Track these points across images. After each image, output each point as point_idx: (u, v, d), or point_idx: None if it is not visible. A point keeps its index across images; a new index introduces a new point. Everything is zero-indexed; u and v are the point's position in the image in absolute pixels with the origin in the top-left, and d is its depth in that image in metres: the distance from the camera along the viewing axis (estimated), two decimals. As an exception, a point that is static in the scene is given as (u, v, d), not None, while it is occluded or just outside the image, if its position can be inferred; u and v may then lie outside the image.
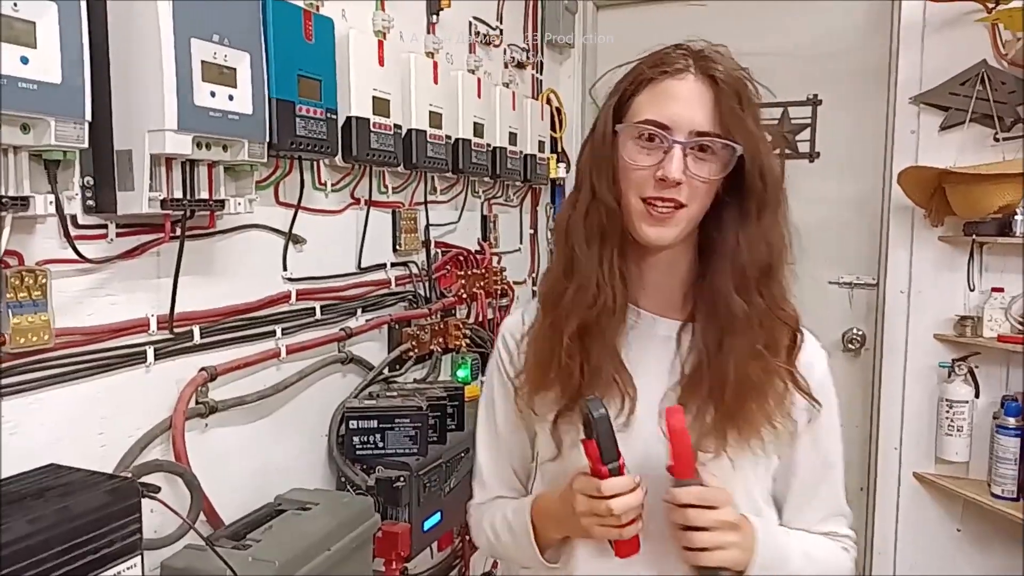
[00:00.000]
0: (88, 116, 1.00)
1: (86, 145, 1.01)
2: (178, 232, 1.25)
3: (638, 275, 1.01)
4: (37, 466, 1.08)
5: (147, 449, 1.27)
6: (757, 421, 0.94)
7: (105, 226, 1.19)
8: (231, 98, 1.22)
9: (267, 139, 1.31)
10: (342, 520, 1.42)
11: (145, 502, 1.27)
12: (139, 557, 1.05)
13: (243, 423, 1.50)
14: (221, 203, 1.29)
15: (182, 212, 1.23)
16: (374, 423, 1.69)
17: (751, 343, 0.94)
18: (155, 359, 1.28)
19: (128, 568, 1.03)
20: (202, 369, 1.37)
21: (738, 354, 0.94)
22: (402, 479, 1.65)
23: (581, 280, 0.97)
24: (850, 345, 2.78)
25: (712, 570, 0.91)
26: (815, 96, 2.81)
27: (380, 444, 1.69)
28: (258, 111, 1.28)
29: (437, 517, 1.79)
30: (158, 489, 1.10)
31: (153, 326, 1.27)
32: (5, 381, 1.06)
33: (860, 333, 2.77)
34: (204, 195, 1.27)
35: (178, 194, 1.22)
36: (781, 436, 0.98)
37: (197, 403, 1.37)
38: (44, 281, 1.08)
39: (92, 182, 1.16)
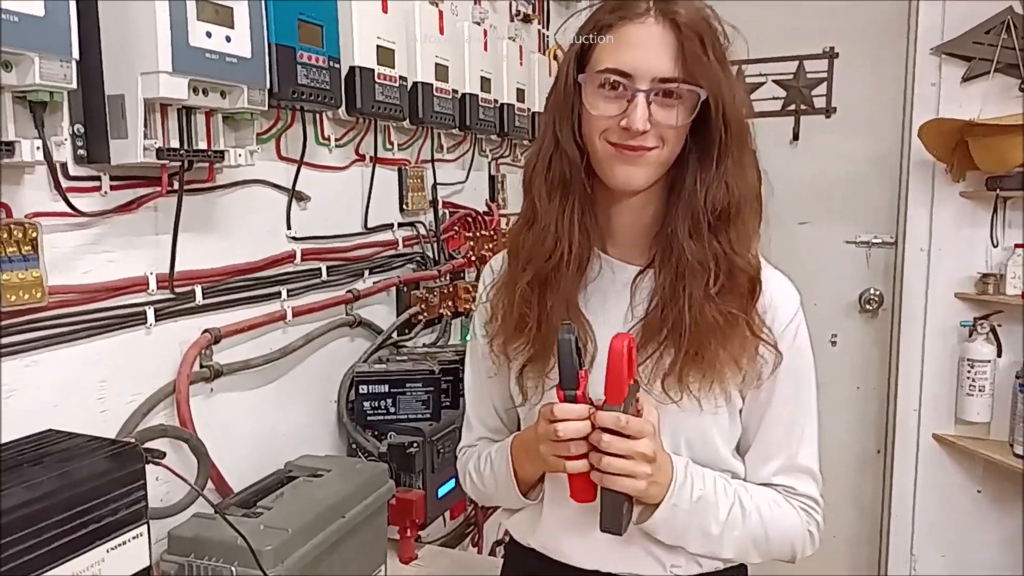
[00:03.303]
0: (75, 54, 0.92)
1: (74, 85, 0.93)
2: (176, 186, 1.18)
3: (606, 222, 1.00)
4: (35, 432, 1.02)
5: (150, 414, 1.21)
6: (719, 362, 0.93)
7: (98, 178, 1.12)
8: (228, 39, 1.14)
9: (267, 86, 1.24)
10: (356, 486, 1.36)
11: (150, 469, 1.21)
12: (145, 526, 0.99)
13: (250, 388, 1.44)
14: (221, 154, 1.22)
15: (179, 163, 1.16)
16: (385, 388, 1.63)
17: (705, 287, 0.92)
18: (156, 320, 1.22)
19: (134, 537, 0.98)
20: (205, 331, 1.31)
21: (692, 298, 0.92)
22: (415, 445, 1.59)
23: (540, 231, 0.97)
24: (867, 306, 2.72)
25: (616, 495, 0.88)
26: (831, 49, 2.71)
27: (392, 409, 1.64)
28: (257, 55, 1.20)
29: (452, 483, 1.73)
30: (163, 455, 1.04)
31: (153, 285, 1.21)
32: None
33: (878, 293, 2.71)
34: (202, 145, 1.20)
35: (175, 143, 1.15)
36: (748, 380, 0.96)
37: (201, 367, 1.31)
38: (35, 235, 1.01)
39: (83, 130, 1.08)
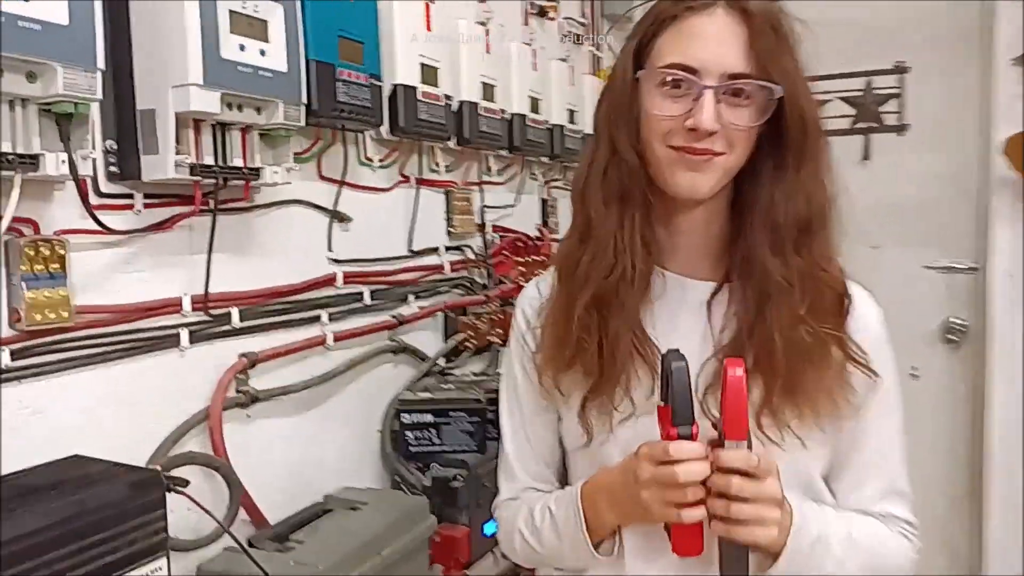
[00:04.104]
0: (100, 64, 0.90)
1: (99, 96, 0.91)
2: (211, 204, 1.15)
3: (666, 236, 0.90)
4: (60, 456, 0.99)
5: (183, 440, 1.17)
6: (815, 393, 0.83)
7: (131, 195, 1.10)
8: (263, 53, 1.11)
9: (303, 100, 1.20)
10: (394, 521, 1.29)
11: (182, 499, 1.17)
12: (165, 558, 0.93)
13: (288, 415, 1.39)
14: (256, 171, 1.19)
15: (213, 180, 1.13)
16: (428, 417, 1.56)
17: (792, 307, 0.82)
18: (190, 342, 1.18)
19: (153, 570, 0.92)
20: (242, 355, 1.26)
21: (782, 320, 0.82)
22: (459, 478, 1.51)
23: (597, 246, 0.87)
24: (950, 336, 2.52)
25: (742, 548, 0.77)
26: (902, 63, 2.57)
27: (435, 440, 1.56)
28: (293, 69, 1.17)
29: (499, 520, 1.64)
30: (186, 483, 0.99)
31: (187, 306, 1.17)
32: (22, 363, 0.96)
33: (962, 323, 2.51)
34: (238, 163, 1.17)
35: (208, 160, 1.12)
36: (842, 408, 0.85)
37: (237, 392, 1.26)
38: (63, 252, 0.98)
39: (115, 146, 1.06)
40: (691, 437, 0.76)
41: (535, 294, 0.98)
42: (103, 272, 1.06)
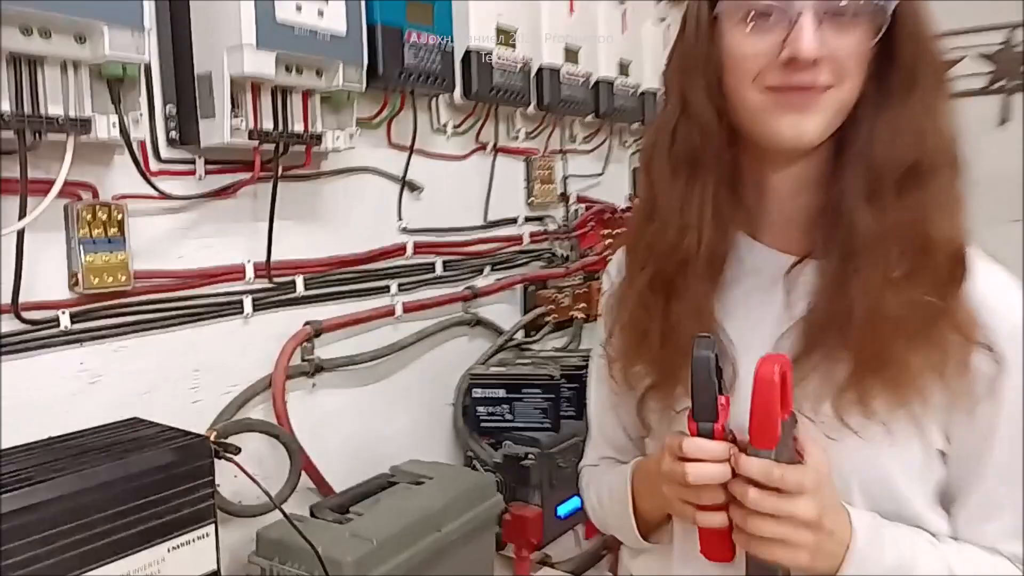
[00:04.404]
0: (148, 23, 0.89)
1: (146, 58, 0.90)
2: (275, 171, 1.13)
3: (757, 201, 0.76)
4: (121, 419, 1.00)
5: (245, 407, 1.17)
6: (912, 370, 0.67)
7: (193, 161, 1.09)
8: (320, 14, 1.08)
9: (365, 63, 1.16)
10: (456, 497, 1.25)
11: (248, 466, 1.18)
12: (212, 526, 0.93)
13: (357, 385, 1.37)
14: (318, 137, 1.16)
15: (273, 145, 1.11)
16: (500, 392, 1.51)
17: (883, 268, 0.67)
18: (254, 310, 1.18)
19: (199, 537, 0.92)
20: (307, 323, 1.25)
21: (867, 284, 0.67)
22: (531, 456, 1.46)
23: (661, 221, 0.76)
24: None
25: (767, 565, 0.66)
26: (1049, 12, 2.27)
27: (508, 416, 1.51)
28: (353, 31, 1.13)
29: (577, 502, 1.58)
30: (237, 450, 0.98)
31: (250, 273, 1.17)
32: (81, 326, 0.98)
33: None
34: (299, 128, 1.14)
35: (268, 125, 1.10)
36: (957, 399, 0.69)
37: (303, 360, 1.25)
38: (121, 217, 0.99)
39: (175, 111, 1.06)
40: (712, 435, 0.66)
41: (613, 274, 0.89)
42: (164, 238, 1.07)
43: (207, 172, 1.11)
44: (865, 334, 0.67)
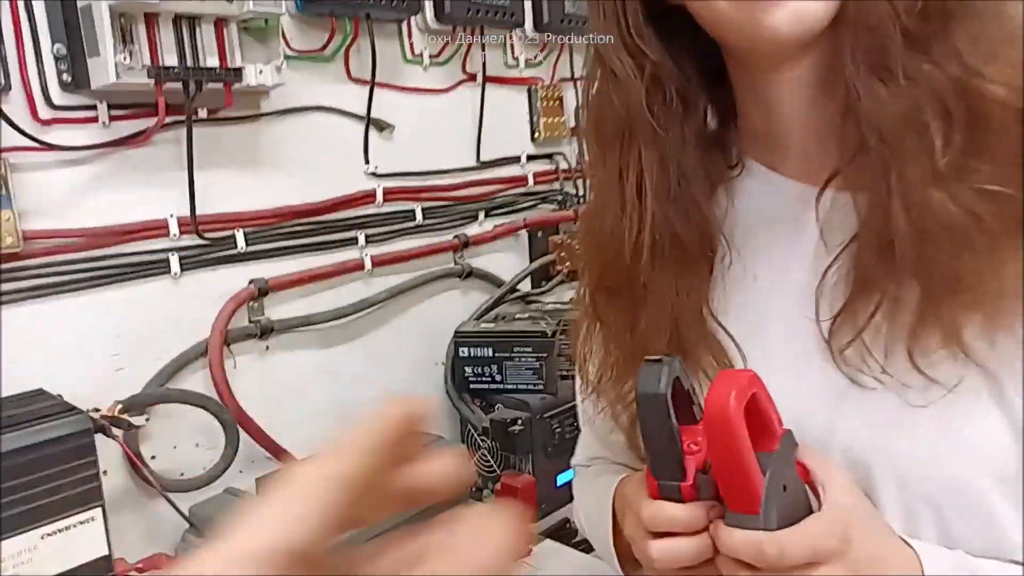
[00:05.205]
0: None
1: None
2: (188, 114, 1.01)
3: (764, 121, 0.59)
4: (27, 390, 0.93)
5: (181, 375, 1.09)
6: (999, 278, 0.48)
7: (94, 107, 0.99)
8: (217, -75, 0.93)
9: (283, -18, 1.01)
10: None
11: (189, 434, 1.10)
12: (99, 509, 0.85)
13: (322, 347, 1.26)
14: (237, 72, 1.03)
15: (181, 83, 0.98)
16: (488, 351, 1.37)
17: (922, 156, 0.48)
18: (182, 269, 1.08)
19: (82, 522, 0.83)
20: (251, 281, 1.15)
21: (906, 182, 0.48)
22: (519, 421, 1.31)
23: (598, 213, 0.62)
24: None
25: None
26: None
27: (497, 377, 1.37)
28: (264, -57, 0.98)
29: (583, 469, 1.43)
30: (129, 427, 0.89)
31: (174, 229, 1.06)
32: (-32, 291, 0.90)
33: None
34: (213, 63, 1.01)
35: (172, 61, 0.97)
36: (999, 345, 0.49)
37: (250, 322, 1.15)
38: (3, 172, 0.90)
39: (64, 50, 0.95)
40: (679, 496, 0.48)
41: None
42: (65, 194, 0.97)
43: (112, 119, 1.00)
44: (919, 249, 0.49)
